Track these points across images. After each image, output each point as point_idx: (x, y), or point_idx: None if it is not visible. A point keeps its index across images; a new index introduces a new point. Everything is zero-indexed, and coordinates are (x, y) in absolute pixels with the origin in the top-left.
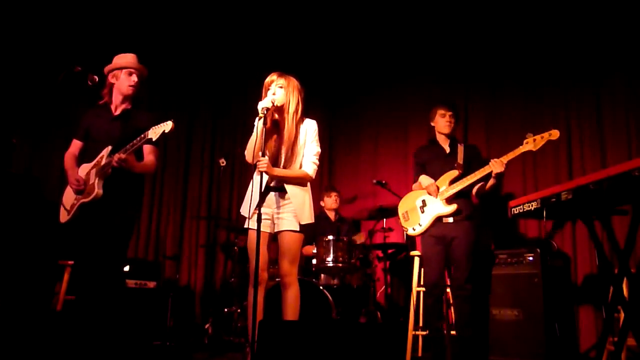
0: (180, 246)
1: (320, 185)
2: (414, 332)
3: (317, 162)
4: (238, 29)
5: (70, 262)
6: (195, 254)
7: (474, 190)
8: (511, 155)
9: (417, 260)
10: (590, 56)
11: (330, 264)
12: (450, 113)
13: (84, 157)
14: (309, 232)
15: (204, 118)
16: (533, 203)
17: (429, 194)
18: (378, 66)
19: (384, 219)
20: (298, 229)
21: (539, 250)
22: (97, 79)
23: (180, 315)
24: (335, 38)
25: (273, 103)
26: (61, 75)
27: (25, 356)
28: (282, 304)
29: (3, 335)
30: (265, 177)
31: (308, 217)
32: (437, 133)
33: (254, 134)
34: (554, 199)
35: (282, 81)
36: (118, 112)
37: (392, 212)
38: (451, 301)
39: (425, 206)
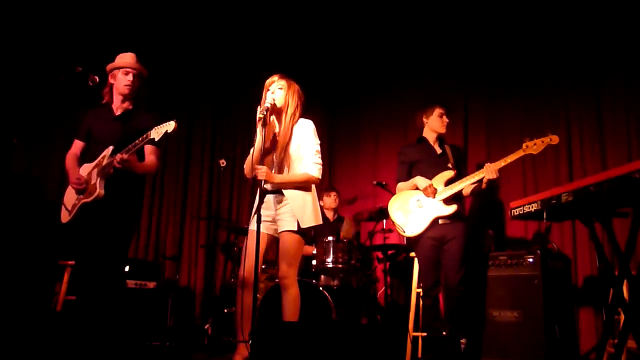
0: (180, 246)
1: (320, 185)
2: (414, 334)
3: (320, 162)
4: (238, 30)
5: (71, 262)
6: (195, 254)
7: (469, 190)
8: (509, 159)
9: (417, 262)
10: (590, 56)
11: (330, 265)
12: (446, 115)
13: (85, 157)
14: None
15: (204, 118)
16: (533, 204)
17: (427, 195)
18: (378, 66)
19: (384, 220)
20: (296, 229)
21: (539, 251)
22: (97, 80)
23: (180, 316)
24: (335, 38)
25: (273, 103)
26: (62, 76)
27: (25, 356)
28: (282, 305)
29: (3, 335)
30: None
31: (310, 220)
32: (428, 131)
33: (256, 144)
34: (554, 201)
35: (282, 83)
36: (119, 112)
37: None
38: (441, 301)
39: (421, 207)
